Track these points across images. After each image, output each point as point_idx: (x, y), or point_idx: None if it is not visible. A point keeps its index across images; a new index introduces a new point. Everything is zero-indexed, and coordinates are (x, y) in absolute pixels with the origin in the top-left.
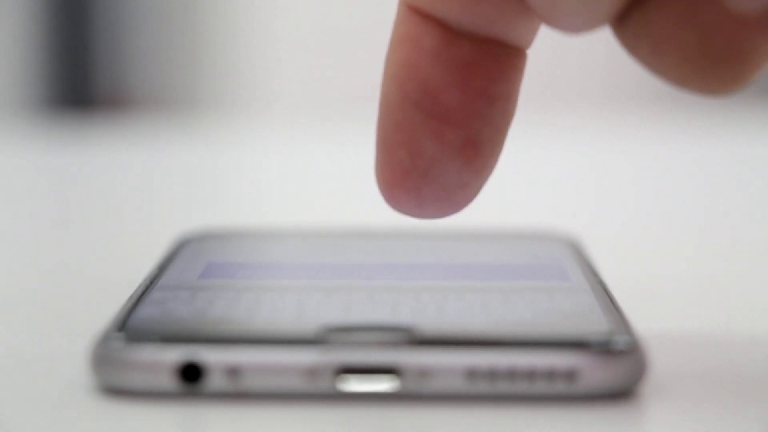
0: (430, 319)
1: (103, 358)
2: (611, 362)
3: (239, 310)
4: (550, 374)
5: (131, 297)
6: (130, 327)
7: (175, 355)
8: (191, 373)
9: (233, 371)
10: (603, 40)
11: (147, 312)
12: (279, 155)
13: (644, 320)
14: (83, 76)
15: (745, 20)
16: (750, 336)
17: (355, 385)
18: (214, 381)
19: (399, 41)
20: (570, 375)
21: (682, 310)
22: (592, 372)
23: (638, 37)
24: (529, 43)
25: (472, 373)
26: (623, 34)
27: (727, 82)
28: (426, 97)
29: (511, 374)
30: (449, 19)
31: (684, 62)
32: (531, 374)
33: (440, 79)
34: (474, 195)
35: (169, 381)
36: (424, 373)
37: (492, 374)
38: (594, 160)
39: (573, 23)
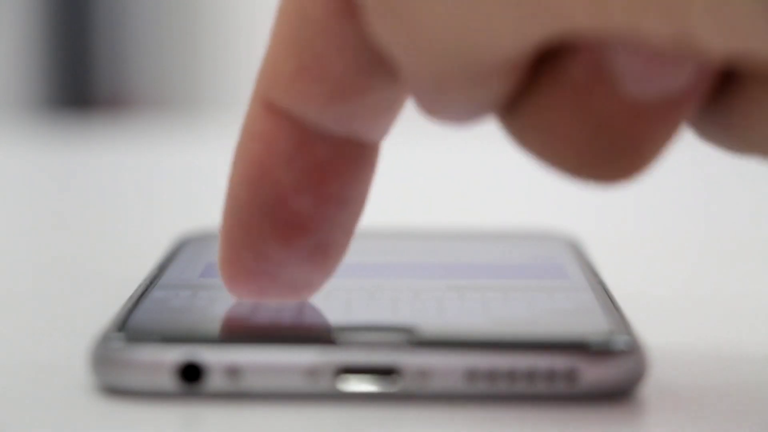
0: (430, 319)
1: (103, 358)
2: (611, 362)
3: (239, 310)
4: (550, 374)
5: (131, 297)
6: (130, 327)
7: (175, 355)
8: (191, 373)
9: (233, 371)
10: None
11: (147, 312)
12: None
13: (644, 320)
14: (83, 76)
15: (640, 108)
16: (750, 337)
17: (355, 385)
18: (214, 381)
19: (250, 138)
20: (570, 375)
21: (682, 311)
22: (592, 372)
23: (526, 129)
24: (383, 137)
25: (472, 374)
26: (511, 124)
27: (623, 172)
28: (275, 203)
29: (511, 374)
30: (307, 117)
31: (579, 154)
32: (531, 374)
33: (292, 184)
34: (317, 288)
35: (169, 381)
36: (424, 373)
37: (492, 374)
38: None
39: (455, 115)
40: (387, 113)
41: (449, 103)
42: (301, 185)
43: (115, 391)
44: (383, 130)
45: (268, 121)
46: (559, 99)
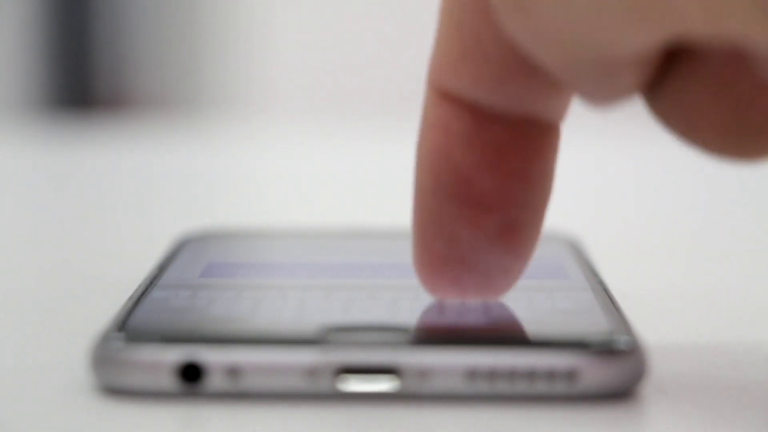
0: (430, 319)
1: (103, 358)
2: (611, 362)
3: (239, 310)
4: (550, 374)
5: (131, 297)
6: (130, 327)
7: (175, 355)
8: (191, 373)
9: (233, 371)
10: None
11: (147, 312)
12: (279, 155)
13: (644, 320)
14: (83, 76)
15: None
16: (750, 336)
17: (355, 385)
18: (214, 381)
19: (429, 127)
20: (570, 375)
21: (682, 311)
22: (592, 372)
23: (670, 109)
24: (562, 118)
25: (472, 373)
26: (655, 105)
27: (764, 151)
28: (460, 185)
29: (511, 374)
30: (480, 100)
31: (719, 133)
32: (531, 374)
33: (474, 164)
34: (516, 278)
35: (169, 381)
36: (424, 373)
37: (492, 374)
38: (594, 160)
39: (600, 97)
40: (557, 94)
41: (587, 88)
42: (483, 165)
43: (115, 391)
44: (558, 111)
45: (443, 108)
46: (700, 80)
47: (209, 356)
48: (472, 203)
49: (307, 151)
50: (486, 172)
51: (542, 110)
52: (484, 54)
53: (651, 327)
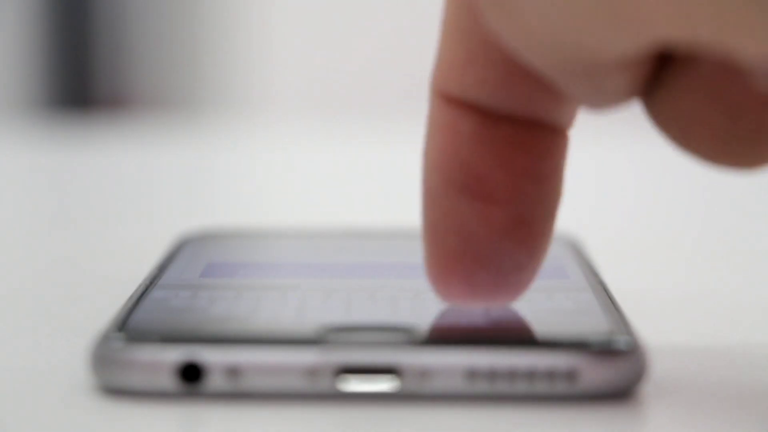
0: (430, 319)
1: (103, 358)
2: (611, 362)
3: (239, 310)
4: (550, 374)
5: (131, 297)
6: (130, 327)
7: (175, 355)
8: (191, 373)
9: (233, 371)
10: None
11: (147, 312)
12: (279, 155)
13: (644, 320)
14: (83, 76)
15: None
16: (750, 337)
17: (355, 385)
18: (214, 381)
19: (436, 129)
20: (570, 375)
21: (682, 311)
22: (592, 372)
23: (666, 115)
24: (569, 124)
25: (472, 373)
26: (651, 111)
27: (759, 159)
28: (470, 180)
29: (511, 374)
30: (485, 102)
31: (714, 142)
32: (531, 374)
33: (483, 160)
34: (530, 279)
35: (169, 381)
36: (424, 373)
37: (492, 374)
38: (594, 160)
39: (594, 101)
40: (558, 101)
41: (580, 92)
42: (493, 161)
43: (115, 391)
44: (565, 116)
45: (449, 112)
46: (692, 87)
47: (209, 356)
48: (484, 197)
49: (307, 151)
50: (496, 167)
51: (548, 114)
52: (489, 58)
53: (651, 327)
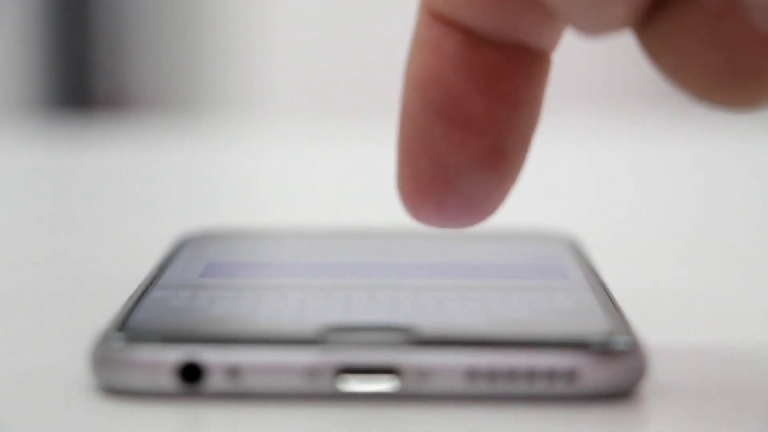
0: (430, 319)
1: (103, 358)
2: (611, 362)
3: (239, 310)
4: (550, 374)
5: (131, 297)
6: (130, 327)
7: (175, 355)
8: (191, 373)
9: (233, 371)
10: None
11: (147, 312)
12: (279, 155)
13: (644, 320)
14: (83, 76)
15: None
16: (750, 336)
17: (355, 385)
18: (214, 381)
19: (419, 47)
20: (570, 375)
21: (682, 311)
22: (592, 372)
23: (661, 48)
24: (553, 47)
25: (472, 373)
26: (646, 42)
27: (754, 98)
28: (449, 105)
29: (511, 374)
30: (472, 23)
31: (709, 77)
32: (531, 374)
33: (463, 85)
34: (498, 204)
35: (169, 381)
36: (424, 373)
37: (492, 374)
38: (594, 160)
39: (589, 25)
40: (549, 22)
41: (579, 16)
42: (472, 86)
43: (115, 391)
44: (550, 40)
45: (434, 29)
46: (691, 23)
47: (209, 356)
48: (460, 124)
49: (307, 151)
50: (475, 93)
51: (534, 37)
52: None
53: (651, 327)
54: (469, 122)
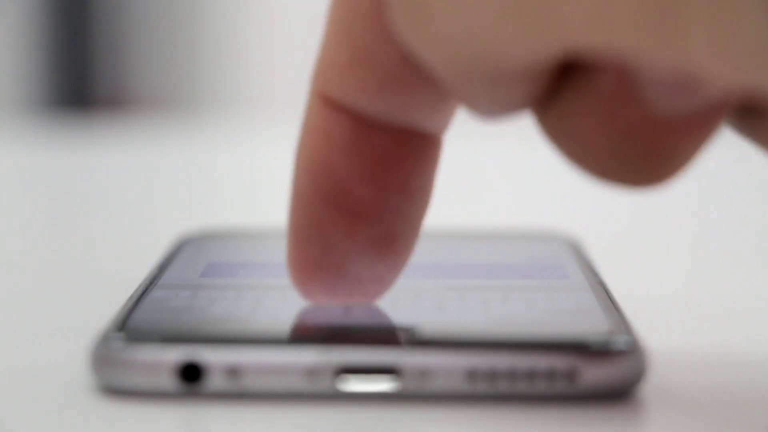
0: (430, 319)
1: (103, 358)
2: (611, 362)
3: (239, 310)
4: (550, 374)
5: (131, 297)
6: (130, 327)
7: (175, 355)
8: (191, 373)
9: (233, 371)
10: None
11: (147, 312)
12: (279, 155)
13: (644, 320)
14: (83, 76)
15: (667, 120)
16: (749, 337)
17: (355, 385)
18: (214, 381)
19: (309, 131)
20: (570, 375)
21: (682, 311)
22: (592, 372)
23: (558, 131)
24: (444, 130)
25: (472, 374)
26: (544, 124)
27: (652, 179)
28: (338, 193)
29: (511, 374)
30: (362, 108)
31: (606, 160)
32: (531, 374)
33: (353, 173)
34: (388, 286)
35: (169, 381)
36: (424, 373)
37: (492, 374)
38: None
39: (486, 108)
40: (442, 105)
41: (476, 100)
42: (362, 174)
43: (115, 391)
44: (441, 122)
45: (325, 114)
46: (587, 106)
47: (209, 356)
48: (349, 211)
49: None
50: (364, 181)
51: (425, 121)
52: (372, 62)
53: (651, 327)
54: (358, 209)
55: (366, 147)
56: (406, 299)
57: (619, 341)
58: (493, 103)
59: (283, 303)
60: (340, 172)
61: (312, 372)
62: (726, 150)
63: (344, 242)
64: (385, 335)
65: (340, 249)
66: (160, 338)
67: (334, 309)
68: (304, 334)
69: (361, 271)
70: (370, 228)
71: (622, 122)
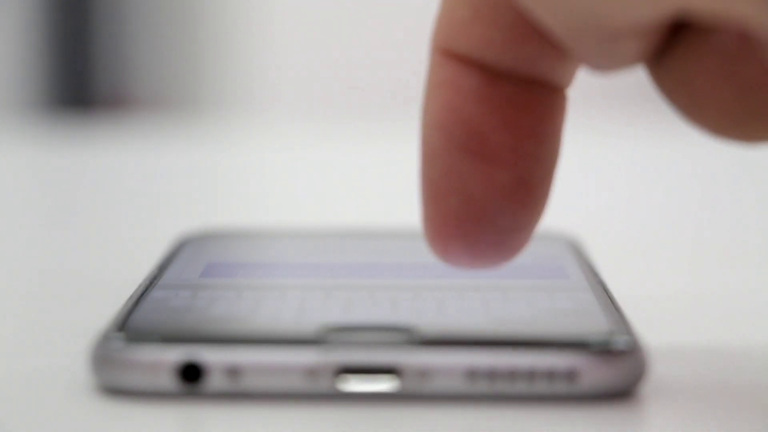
0: (430, 319)
1: (103, 358)
2: (611, 362)
3: (239, 309)
4: (550, 374)
5: (131, 297)
6: (130, 327)
7: (175, 355)
8: (191, 373)
9: (233, 371)
10: None
11: (147, 312)
12: (279, 155)
13: (644, 320)
14: (83, 76)
15: None
16: (750, 336)
17: (355, 385)
18: (214, 381)
19: (436, 86)
20: (570, 375)
21: (682, 311)
22: (592, 372)
23: (674, 85)
24: (568, 83)
25: (472, 373)
26: (658, 78)
27: (766, 135)
28: (473, 139)
29: (511, 374)
30: (489, 60)
31: (722, 114)
32: (531, 374)
33: (486, 119)
34: (527, 239)
35: (169, 381)
36: (424, 373)
37: (492, 374)
38: (594, 160)
39: (602, 63)
40: (562, 60)
41: (590, 55)
42: (496, 120)
43: (115, 391)
44: (565, 76)
45: (451, 67)
46: (705, 60)
47: (209, 356)
48: (486, 158)
49: (307, 151)
50: (498, 127)
51: (549, 74)
52: (494, 16)
53: (651, 327)
54: (495, 156)
55: (497, 95)
56: (406, 299)
57: (619, 341)
58: (607, 58)
59: (283, 303)
60: (475, 121)
61: (312, 372)
62: (726, 150)
63: (483, 190)
64: (385, 335)
65: (479, 198)
66: (160, 338)
67: (334, 309)
68: (304, 334)
69: (501, 220)
70: (508, 174)
71: (738, 75)
